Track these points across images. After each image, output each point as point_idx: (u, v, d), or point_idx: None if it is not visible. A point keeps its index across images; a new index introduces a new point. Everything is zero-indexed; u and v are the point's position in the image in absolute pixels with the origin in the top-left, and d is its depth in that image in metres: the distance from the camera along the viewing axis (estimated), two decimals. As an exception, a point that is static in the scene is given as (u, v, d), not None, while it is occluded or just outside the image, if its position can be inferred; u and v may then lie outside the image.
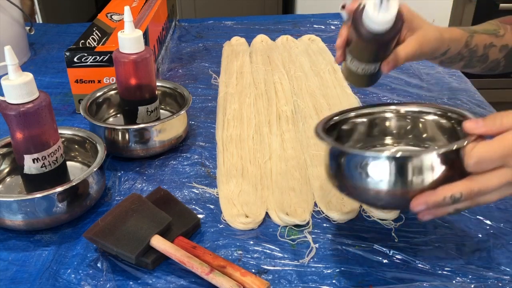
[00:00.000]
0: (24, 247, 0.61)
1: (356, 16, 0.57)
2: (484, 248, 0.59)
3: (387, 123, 0.64)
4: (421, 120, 0.62)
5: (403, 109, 0.63)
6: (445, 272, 0.56)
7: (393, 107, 0.63)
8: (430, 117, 0.61)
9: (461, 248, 0.59)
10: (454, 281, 0.55)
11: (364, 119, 0.64)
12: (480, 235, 0.61)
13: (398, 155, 0.48)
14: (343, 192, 0.54)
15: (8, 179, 0.71)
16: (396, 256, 0.58)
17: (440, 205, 0.48)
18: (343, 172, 0.52)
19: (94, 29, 0.95)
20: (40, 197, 0.59)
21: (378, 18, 0.55)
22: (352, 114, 0.63)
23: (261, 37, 1.18)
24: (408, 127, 0.63)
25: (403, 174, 0.48)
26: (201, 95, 0.96)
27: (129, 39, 0.72)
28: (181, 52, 1.16)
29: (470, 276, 0.55)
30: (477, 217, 0.64)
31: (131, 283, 0.56)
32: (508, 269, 0.56)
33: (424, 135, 0.62)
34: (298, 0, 2.04)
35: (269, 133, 0.81)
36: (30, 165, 0.62)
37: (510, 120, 0.47)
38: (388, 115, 0.64)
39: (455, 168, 0.48)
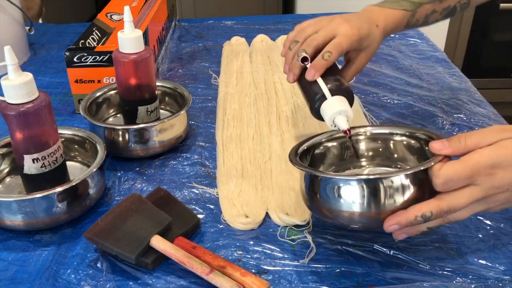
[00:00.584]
0: (24, 247, 0.61)
1: (313, 104, 0.63)
2: (484, 248, 0.59)
3: (359, 146, 0.65)
4: (391, 141, 0.64)
5: (373, 131, 0.65)
6: (445, 272, 0.56)
7: (362, 130, 0.65)
8: (400, 138, 0.63)
9: (461, 248, 0.59)
10: (454, 281, 0.55)
11: (335, 143, 0.65)
12: (480, 235, 0.61)
13: (368, 177, 0.50)
14: (319, 215, 0.56)
15: (8, 179, 0.71)
16: (396, 256, 0.58)
17: (412, 224, 0.50)
18: (318, 196, 0.54)
19: (94, 29, 0.95)
20: (40, 197, 0.59)
21: (332, 126, 0.62)
22: (324, 138, 0.65)
23: (261, 37, 1.18)
24: (379, 148, 0.65)
25: (374, 196, 0.50)
26: (201, 95, 0.96)
27: (129, 39, 0.72)
28: (181, 52, 1.16)
29: (470, 276, 0.55)
30: (477, 217, 0.64)
31: (131, 283, 0.56)
32: (508, 269, 0.56)
33: (395, 156, 0.64)
34: (298, 0, 2.04)
35: (269, 133, 0.81)
36: (30, 165, 0.62)
37: (473, 141, 0.49)
38: (359, 137, 0.65)
39: (425, 187, 0.50)
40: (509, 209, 0.65)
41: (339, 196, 0.51)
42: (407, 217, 0.49)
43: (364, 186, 0.50)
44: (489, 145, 0.49)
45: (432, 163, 0.50)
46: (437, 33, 2.05)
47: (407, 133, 0.62)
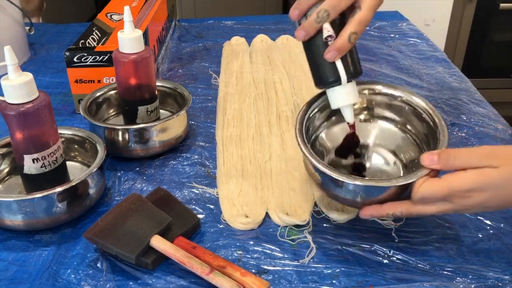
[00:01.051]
0: (24, 247, 0.61)
1: (323, 82, 0.60)
2: (484, 248, 0.59)
3: (364, 100, 0.66)
4: (397, 103, 0.65)
5: (383, 90, 0.65)
6: (445, 272, 0.56)
7: (376, 86, 0.65)
8: (408, 103, 0.64)
9: (461, 248, 0.59)
10: (454, 281, 0.55)
11: None
12: (480, 235, 0.61)
13: (361, 184, 0.54)
14: (317, 188, 0.62)
15: (8, 179, 0.71)
16: (396, 256, 0.58)
17: (382, 217, 0.58)
18: (319, 178, 0.58)
19: (94, 29, 0.95)
20: (40, 197, 0.59)
21: (334, 107, 0.61)
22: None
23: (261, 37, 1.18)
24: (384, 107, 0.66)
25: (362, 194, 0.56)
26: (201, 95, 0.96)
27: (129, 39, 0.72)
28: (181, 52, 1.16)
29: (470, 276, 0.55)
30: (477, 217, 0.64)
31: (131, 283, 0.56)
32: (508, 269, 0.56)
33: (398, 118, 0.66)
34: (298, 0, 2.03)
35: (269, 133, 0.81)
36: (30, 165, 0.62)
37: (461, 163, 0.51)
38: (365, 92, 0.65)
39: (404, 192, 0.55)
40: (509, 209, 0.65)
41: (336, 185, 0.57)
42: (380, 212, 0.55)
43: (357, 188, 0.55)
44: (474, 169, 0.50)
45: (415, 179, 0.53)
46: (437, 33, 2.05)
47: (417, 100, 0.63)
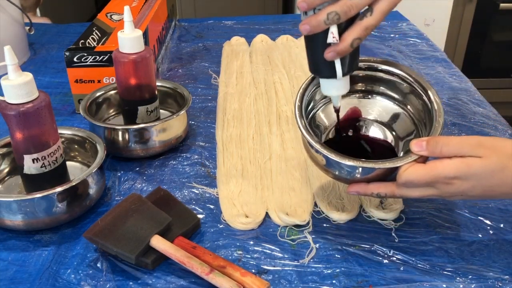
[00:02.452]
0: (24, 247, 0.61)
1: (318, 71, 0.60)
2: (484, 248, 0.59)
3: (360, 73, 0.67)
4: (394, 80, 0.65)
5: (381, 67, 0.65)
6: (445, 272, 0.56)
7: (377, 64, 0.66)
8: (405, 82, 0.65)
9: (461, 248, 0.59)
10: (454, 281, 0.55)
11: None
12: (480, 235, 0.61)
13: (354, 164, 0.56)
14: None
15: (8, 179, 0.71)
16: (396, 256, 0.58)
17: (367, 196, 0.59)
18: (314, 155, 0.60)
19: (94, 29, 0.95)
20: (39, 197, 0.59)
21: (323, 92, 0.61)
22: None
23: (261, 37, 1.18)
24: (380, 81, 0.66)
25: (354, 173, 0.58)
26: (201, 95, 0.96)
27: (129, 39, 0.72)
28: (181, 52, 1.16)
29: (470, 276, 0.55)
30: (478, 217, 0.64)
31: (131, 283, 0.56)
32: (507, 269, 0.56)
33: (396, 96, 0.66)
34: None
35: (269, 133, 0.81)
36: (30, 165, 0.62)
37: (449, 150, 0.52)
38: (361, 65, 0.65)
39: (391, 173, 0.56)
40: (510, 209, 0.65)
41: (329, 164, 0.58)
42: (365, 191, 0.57)
43: (351, 167, 0.56)
44: (459, 157, 0.51)
45: (402, 163, 0.54)
46: (437, 33, 2.05)
47: (410, 79, 0.64)
